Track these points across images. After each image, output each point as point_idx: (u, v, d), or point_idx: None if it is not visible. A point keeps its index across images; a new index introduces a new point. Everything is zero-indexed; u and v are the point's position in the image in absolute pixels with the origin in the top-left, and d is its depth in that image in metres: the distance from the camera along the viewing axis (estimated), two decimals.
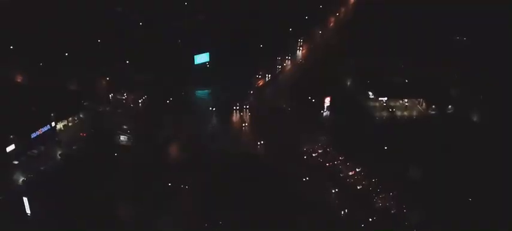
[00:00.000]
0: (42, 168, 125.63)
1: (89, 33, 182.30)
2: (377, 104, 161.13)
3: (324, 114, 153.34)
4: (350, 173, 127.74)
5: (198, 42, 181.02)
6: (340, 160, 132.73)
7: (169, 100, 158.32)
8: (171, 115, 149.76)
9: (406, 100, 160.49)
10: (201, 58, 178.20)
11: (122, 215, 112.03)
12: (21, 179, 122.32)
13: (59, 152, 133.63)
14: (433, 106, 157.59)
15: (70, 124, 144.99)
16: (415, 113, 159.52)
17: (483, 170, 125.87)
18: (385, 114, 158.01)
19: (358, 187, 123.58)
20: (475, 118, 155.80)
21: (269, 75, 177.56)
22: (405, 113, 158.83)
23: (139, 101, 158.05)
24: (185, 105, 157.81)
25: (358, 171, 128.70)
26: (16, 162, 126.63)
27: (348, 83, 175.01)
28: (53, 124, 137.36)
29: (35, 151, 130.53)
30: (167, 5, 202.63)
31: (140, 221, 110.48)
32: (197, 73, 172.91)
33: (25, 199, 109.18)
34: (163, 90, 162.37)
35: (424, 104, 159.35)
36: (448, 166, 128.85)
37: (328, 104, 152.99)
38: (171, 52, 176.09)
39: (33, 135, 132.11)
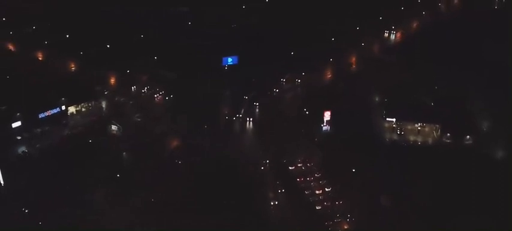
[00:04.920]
0: (37, 146, 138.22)
1: (134, 28, 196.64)
2: (392, 125, 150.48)
3: (324, 128, 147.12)
4: (316, 192, 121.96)
5: (228, 44, 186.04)
6: (315, 176, 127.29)
7: (185, 98, 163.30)
8: (179, 113, 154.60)
9: (419, 124, 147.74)
10: (229, 60, 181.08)
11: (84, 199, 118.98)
12: (19, 153, 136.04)
13: (66, 133, 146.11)
14: (448, 135, 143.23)
15: (84, 109, 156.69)
16: (429, 140, 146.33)
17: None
18: (395, 136, 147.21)
19: (317, 207, 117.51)
20: (499, 155, 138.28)
21: (298, 80, 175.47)
22: (416, 138, 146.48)
23: (155, 96, 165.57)
24: (199, 104, 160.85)
25: (327, 191, 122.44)
26: (19, 137, 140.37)
27: (376, 98, 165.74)
28: (63, 107, 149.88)
29: (39, 130, 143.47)
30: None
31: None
32: (220, 74, 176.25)
33: None
34: (184, 88, 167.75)
35: (439, 131, 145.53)
36: (433, 202, 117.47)
37: (328, 118, 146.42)
38: (199, 53, 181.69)
39: (42, 115, 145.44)
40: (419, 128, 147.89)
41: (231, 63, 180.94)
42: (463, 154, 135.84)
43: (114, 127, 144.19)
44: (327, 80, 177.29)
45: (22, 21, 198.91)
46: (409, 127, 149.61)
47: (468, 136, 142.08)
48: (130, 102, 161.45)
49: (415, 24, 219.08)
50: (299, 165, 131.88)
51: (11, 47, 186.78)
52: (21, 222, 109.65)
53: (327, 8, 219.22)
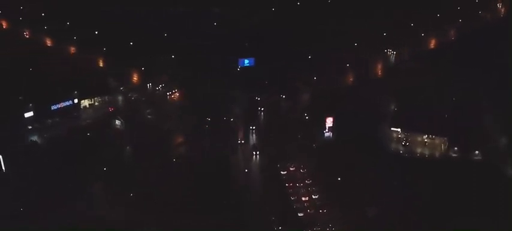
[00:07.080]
0: (45, 135, 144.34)
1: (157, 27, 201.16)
2: (398, 135, 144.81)
3: (326, 134, 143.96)
4: (302, 199, 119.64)
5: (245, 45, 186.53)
6: (305, 183, 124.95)
7: (196, 98, 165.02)
8: (188, 112, 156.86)
9: (426, 135, 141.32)
10: (246, 62, 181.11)
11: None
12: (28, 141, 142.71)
13: (75, 125, 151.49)
14: (456, 148, 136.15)
15: (97, 103, 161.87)
16: (437, 153, 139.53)
17: None
18: (400, 147, 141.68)
19: (299, 214, 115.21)
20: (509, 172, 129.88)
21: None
22: (423, 150, 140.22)
23: (168, 93, 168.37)
24: (206, 104, 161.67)
25: (314, 199, 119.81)
26: (30, 127, 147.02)
27: (390, 106, 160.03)
28: (76, 100, 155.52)
29: (50, 121, 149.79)
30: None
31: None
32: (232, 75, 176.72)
33: (0, 157, 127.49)
34: (197, 87, 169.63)
35: (447, 144, 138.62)
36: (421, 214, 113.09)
37: (330, 124, 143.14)
38: (215, 53, 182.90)
39: (54, 107, 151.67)
40: (427, 140, 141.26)
41: (248, 65, 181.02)
42: (466, 169, 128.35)
43: (117, 122, 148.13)
44: (340, 85, 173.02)
45: (57, 17, 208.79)
46: (419, 138, 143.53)
47: (477, 151, 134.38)
48: (143, 99, 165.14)
49: (449, 32, 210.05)
50: (291, 169, 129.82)
51: (48, 42, 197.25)
52: (15, 210, 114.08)
53: (358, 12, 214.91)
